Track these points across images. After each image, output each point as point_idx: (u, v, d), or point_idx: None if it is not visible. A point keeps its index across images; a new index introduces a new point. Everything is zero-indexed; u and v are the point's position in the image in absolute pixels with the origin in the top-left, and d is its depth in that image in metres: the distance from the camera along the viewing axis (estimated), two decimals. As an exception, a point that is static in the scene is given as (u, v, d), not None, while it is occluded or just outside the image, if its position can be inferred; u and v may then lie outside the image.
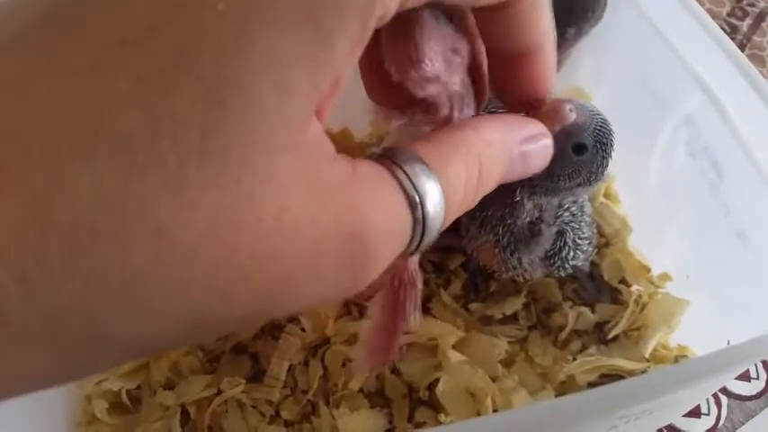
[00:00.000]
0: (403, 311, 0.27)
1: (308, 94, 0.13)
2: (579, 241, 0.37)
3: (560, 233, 0.36)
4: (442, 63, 0.21)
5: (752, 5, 0.65)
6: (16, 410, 0.34)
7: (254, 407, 0.39)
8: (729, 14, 0.63)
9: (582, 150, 0.31)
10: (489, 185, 0.19)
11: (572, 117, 0.29)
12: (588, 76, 0.49)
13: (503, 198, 0.35)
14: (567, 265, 0.38)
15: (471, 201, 0.18)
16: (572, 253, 0.37)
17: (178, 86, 0.12)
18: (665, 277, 0.42)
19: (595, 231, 0.41)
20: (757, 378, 0.43)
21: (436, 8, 0.20)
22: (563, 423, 0.24)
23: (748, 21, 0.63)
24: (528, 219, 0.36)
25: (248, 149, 0.12)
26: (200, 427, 0.38)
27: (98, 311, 0.12)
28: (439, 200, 0.16)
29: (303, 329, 0.41)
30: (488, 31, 0.20)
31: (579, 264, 0.39)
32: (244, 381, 0.39)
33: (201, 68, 0.12)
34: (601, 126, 0.31)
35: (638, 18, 0.41)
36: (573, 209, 0.37)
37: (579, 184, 0.33)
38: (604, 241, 0.46)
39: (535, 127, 0.21)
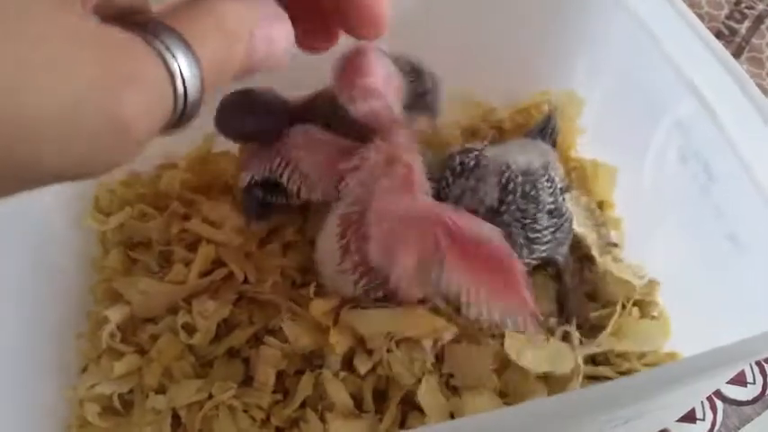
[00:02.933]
0: None
1: None
2: (535, 234, 0.36)
3: (507, 235, 0.34)
4: (381, 81, 0.29)
5: (750, 8, 0.64)
6: (8, 414, 0.34)
7: (245, 411, 0.39)
8: (728, 17, 0.63)
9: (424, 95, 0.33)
10: (236, 64, 0.19)
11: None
12: (582, 81, 0.49)
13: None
14: (526, 261, 0.36)
15: (224, 78, 0.19)
16: (526, 250, 0.36)
17: None
18: (654, 285, 0.42)
19: (569, 214, 0.39)
20: (754, 383, 0.43)
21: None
22: (545, 425, 0.24)
23: (747, 23, 0.62)
24: None
25: None
26: (191, 431, 0.38)
27: None
28: (196, 72, 0.17)
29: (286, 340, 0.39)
30: None
31: (546, 254, 0.37)
32: (235, 385, 0.39)
33: None
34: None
35: (630, 23, 0.41)
36: (519, 204, 0.35)
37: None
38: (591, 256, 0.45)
39: (272, 8, 0.21)
